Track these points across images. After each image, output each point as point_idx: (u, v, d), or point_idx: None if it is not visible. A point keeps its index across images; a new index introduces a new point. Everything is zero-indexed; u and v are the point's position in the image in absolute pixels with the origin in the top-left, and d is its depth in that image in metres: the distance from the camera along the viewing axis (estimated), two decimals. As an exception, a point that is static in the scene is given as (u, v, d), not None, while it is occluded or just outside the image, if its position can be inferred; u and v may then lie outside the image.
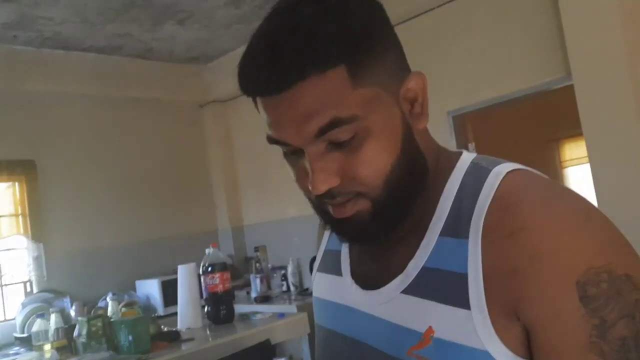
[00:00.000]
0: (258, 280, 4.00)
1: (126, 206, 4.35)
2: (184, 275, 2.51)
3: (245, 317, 2.57)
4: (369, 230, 0.64)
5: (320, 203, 0.65)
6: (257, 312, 2.65)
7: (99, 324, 2.23)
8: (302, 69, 0.56)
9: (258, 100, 0.61)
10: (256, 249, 4.35)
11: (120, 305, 2.66)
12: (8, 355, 2.96)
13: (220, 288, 2.40)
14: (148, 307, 3.77)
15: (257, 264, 4.17)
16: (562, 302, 0.54)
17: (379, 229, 0.64)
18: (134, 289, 4.05)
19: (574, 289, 0.53)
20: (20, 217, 3.90)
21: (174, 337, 2.30)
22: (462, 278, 0.58)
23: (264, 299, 3.88)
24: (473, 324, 0.57)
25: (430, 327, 0.60)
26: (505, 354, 0.55)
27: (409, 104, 0.64)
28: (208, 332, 2.43)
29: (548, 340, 0.54)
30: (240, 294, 4.13)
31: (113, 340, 2.22)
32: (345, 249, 0.77)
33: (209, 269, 2.42)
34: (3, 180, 3.88)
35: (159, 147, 4.54)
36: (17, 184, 3.92)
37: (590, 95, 2.64)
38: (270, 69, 0.57)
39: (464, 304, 0.58)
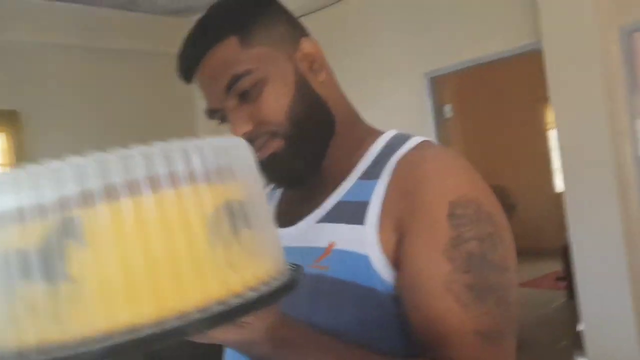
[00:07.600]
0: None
1: (112, 157, 4.40)
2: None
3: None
4: (288, 168, 0.76)
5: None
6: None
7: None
8: (205, 46, 0.73)
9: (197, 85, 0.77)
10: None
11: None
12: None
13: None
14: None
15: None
16: (435, 214, 0.66)
17: (299, 167, 0.76)
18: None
19: (447, 207, 0.66)
20: (8, 168, 3.94)
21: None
22: (365, 204, 0.71)
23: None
24: (363, 235, 0.69)
25: (333, 242, 0.72)
26: (380, 259, 0.68)
27: (309, 63, 0.76)
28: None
29: (415, 243, 0.67)
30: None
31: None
32: (277, 194, 0.89)
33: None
34: (-13, 131, 3.86)
35: (144, 99, 4.56)
36: (2, 134, 3.94)
37: (559, 62, 2.70)
38: (188, 53, 0.75)
39: (361, 221, 0.70)
